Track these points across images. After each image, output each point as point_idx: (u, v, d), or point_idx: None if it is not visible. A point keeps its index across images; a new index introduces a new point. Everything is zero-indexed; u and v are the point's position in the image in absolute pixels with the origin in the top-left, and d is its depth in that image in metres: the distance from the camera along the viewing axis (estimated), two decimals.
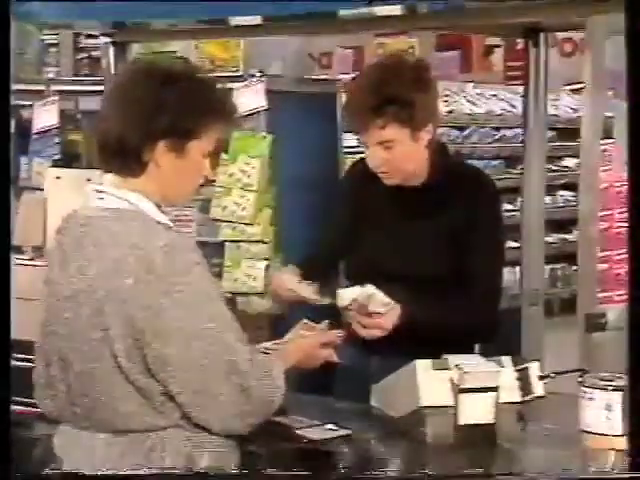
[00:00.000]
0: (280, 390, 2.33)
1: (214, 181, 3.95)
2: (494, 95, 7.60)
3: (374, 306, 2.81)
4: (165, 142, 2.25)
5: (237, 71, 5.23)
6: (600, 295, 3.55)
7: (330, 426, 2.61)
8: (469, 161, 6.35)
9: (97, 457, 2.26)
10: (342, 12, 3.14)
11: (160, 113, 2.23)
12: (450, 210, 2.97)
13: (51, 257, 2.37)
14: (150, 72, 2.30)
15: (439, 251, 2.98)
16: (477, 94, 7.51)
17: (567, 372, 2.62)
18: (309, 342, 2.61)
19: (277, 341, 2.68)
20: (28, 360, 2.44)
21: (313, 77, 5.57)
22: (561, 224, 7.51)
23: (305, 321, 2.74)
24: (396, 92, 2.84)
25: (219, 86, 2.37)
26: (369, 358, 3.07)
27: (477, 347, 3.08)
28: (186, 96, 2.26)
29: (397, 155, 2.91)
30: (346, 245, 3.14)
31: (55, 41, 6.07)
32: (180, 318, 2.18)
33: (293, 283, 3.00)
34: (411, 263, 2.99)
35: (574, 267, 7.21)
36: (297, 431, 2.57)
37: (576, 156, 5.22)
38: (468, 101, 7.40)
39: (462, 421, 2.48)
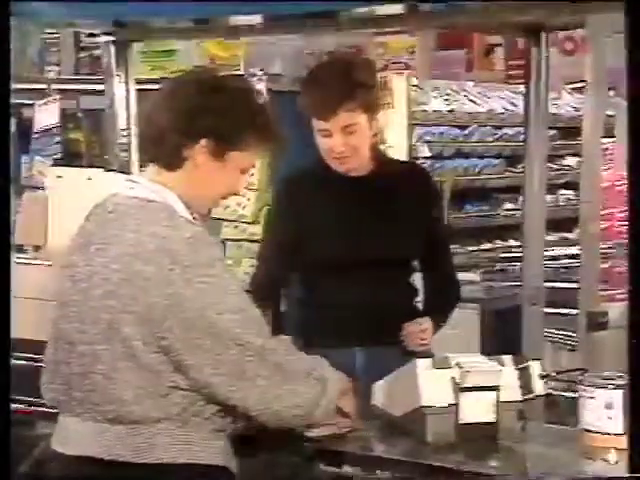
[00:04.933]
0: (323, 394, 2.36)
1: None
2: (495, 94, 7.58)
3: None
4: (206, 142, 2.32)
5: (238, 70, 5.22)
6: (602, 293, 3.56)
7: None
8: (470, 159, 6.43)
9: (89, 445, 2.26)
10: (342, 11, 3.15)
11: (205, 114, 2.31)
12: (398, 197, 3.11)
13: (73, 241, 2.39)
14: (202, 78, 2.42)
15: (390, 236, 3.09)
16: (478, 93, 7.49)
17: (567, 371, 2.62)
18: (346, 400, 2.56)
19: None
20: (28, 360, 2.44)
21: None
22: (562, 223, 7.50)
23: None
24: (365, 77, 3.01)
25: (265, 104, 2.46)
26: (353, 352, 3.10)
27: (478, 347, 3.09)
28: (232, 103, 2.34)
29: (358, 140, 3.03)
30: (290, 261, 3.18)
31: (56, 40, 6.05)
32: (203, 308, 2.19)
33: None
34: (365, 249, 3.08)
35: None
36: (297, 430, 2.57)
37: (577, 155, 5.21)
38: (469, 100, 7.39)
39: (463, 420, 2.48)
